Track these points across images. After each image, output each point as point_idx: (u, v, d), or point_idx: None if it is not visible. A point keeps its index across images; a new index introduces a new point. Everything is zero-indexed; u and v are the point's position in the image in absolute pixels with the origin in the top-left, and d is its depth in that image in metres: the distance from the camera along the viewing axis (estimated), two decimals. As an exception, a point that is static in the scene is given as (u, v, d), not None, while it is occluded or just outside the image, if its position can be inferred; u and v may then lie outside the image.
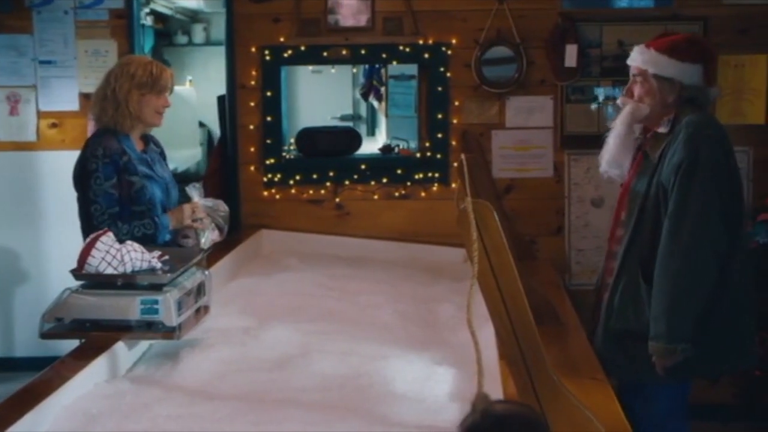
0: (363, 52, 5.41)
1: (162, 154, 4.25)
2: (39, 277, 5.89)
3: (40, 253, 5.91)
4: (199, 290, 3.52)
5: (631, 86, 3.57)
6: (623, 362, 3.48)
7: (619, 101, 3.65)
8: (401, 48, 5.39)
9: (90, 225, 3.85)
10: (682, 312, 3.28)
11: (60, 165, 5.74)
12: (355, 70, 7.21)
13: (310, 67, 7.78)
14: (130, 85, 3.97)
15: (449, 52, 5.38)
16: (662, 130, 3.48)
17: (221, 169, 5.62)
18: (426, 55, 5.39)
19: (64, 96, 5.79)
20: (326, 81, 8.55)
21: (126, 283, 3.27)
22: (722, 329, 3.36)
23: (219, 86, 6.31)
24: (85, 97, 5.71)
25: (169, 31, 9.04)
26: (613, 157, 3.61)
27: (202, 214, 4.06)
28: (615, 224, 3.69)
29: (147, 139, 4.15)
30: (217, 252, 4.48)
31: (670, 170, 3.33)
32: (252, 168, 5.51)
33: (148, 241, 3.72)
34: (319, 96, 8.42)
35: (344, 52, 5.40)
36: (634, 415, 3.34)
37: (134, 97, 3.96)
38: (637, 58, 3.53)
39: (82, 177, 3.94)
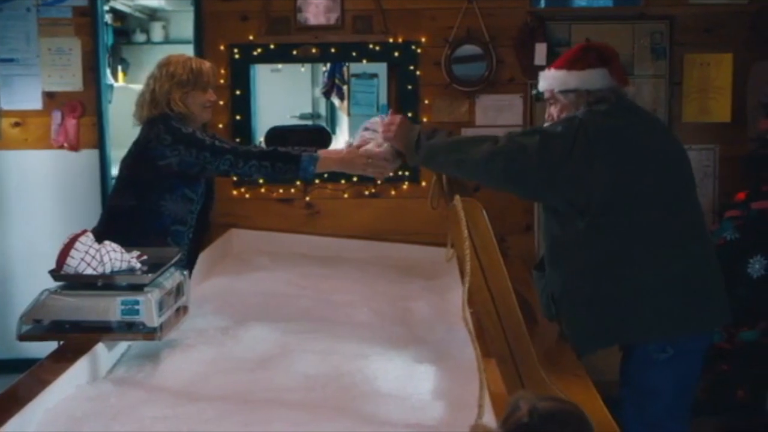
0: (333, 50, 5.42)
1: None
2: (2, 278, 5.79)
3: (4, 253, 5.81)
4: (179, 290, 3.49)
5: (550, 110, 3.63)
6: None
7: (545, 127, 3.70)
8: (371, 46, 5.40)
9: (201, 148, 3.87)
10: (440, 139, 3.48)
11: (23, 164, 5.70)
12: (324, 68, 7.18)
13: (270, 66, 7.72)
14: (170, 85, 3.95)
15: (419, 50, 5.40)
16: None
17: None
18: (396, 54, 5.40)
19: (27, 95, 5.69)
20: (285, 80, 8.51)
21: (106, 283, 3.23)
22: (693, 289, 3.39)
23: (180, 85, 6.25)
24: (48, 95, 5.65)
25: (127, 29, 8.94)
26: None
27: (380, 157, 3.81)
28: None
29: None
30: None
31: None
32: (221, 167, 5.47)
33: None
34: (278, 95, 8.36)
35: (314, 50, 5.39)
36: (626, 415, 3.37)
37: (176, 96, 3.93)
38: (543, 83, 3.60)
39: (184, 138, 3.88)
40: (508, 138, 3.35)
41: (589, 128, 3.35)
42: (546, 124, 3.61)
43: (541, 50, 5.26)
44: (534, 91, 3.95)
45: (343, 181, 5.47)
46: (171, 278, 3.42)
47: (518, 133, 3.46)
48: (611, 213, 3.34)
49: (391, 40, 5.38)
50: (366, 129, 3.84)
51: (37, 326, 3.24)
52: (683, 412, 3.56)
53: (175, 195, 3.95)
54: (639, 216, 3.40)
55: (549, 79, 3.56)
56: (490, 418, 2.56)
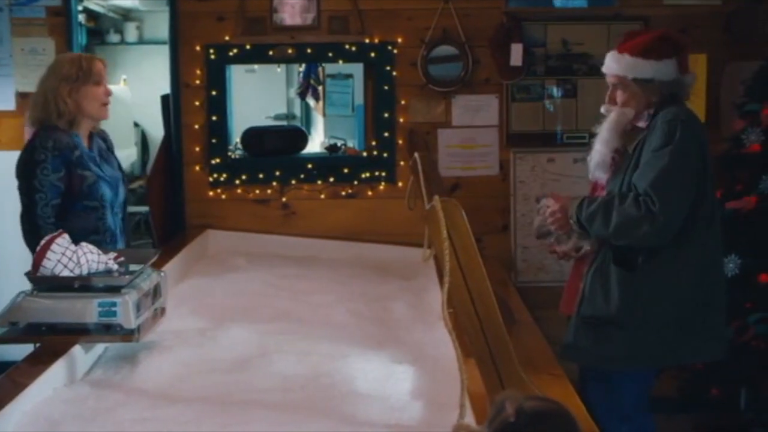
0: (309, 51, 5.39)
1: (110, 149, 4.20)
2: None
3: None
4: (156, 292, 3.47)
5: (613, 93, 3.60)
6: (591, 348, 3.53)
7: (603, 109, 3.67)
8: (347, 47, 5.38)
9: (33, 213, 3.85)
10: (602, 230, 3.42)
11: (-4, 165, 5.62)
12: (300, 69, 7.17)
13: (244, 66, 7.70)
14: (57, 82, 3.92)
15: (395, 50, 5.39)
16: (641, 124, 3.55)
17: (166, 169, 5.54)
18: (372, 54, 5.39)
19: (0, 95, 5.63)
20: (260, 80, 8.50)
21: (83, 285, 3.21)
22: (694, 317, 3.44)
23: (153, 86, 6.23)
24: (21, 96, 5.58)
25: (101, 29, 8.90)
26: (600, 160, 3.62)
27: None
28: None
29: (92, 137, 4.09)
30: (164, 253, 4.42)
31: (645, 155, 3.42)
32: (197, 168, 5.46)
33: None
34: (252, 95, 8.35)
35: (290, 51, 5.36)
36: (598, 410, 3.39)
37: (64, 92, 3.90)
38: (613, 66, 3.56)
39: (27, 165, 3.90)
40: (661, 210, 3.28)
41: (696, 132, 3.41)
42: (604, 108, 3.62)
43: (517, 51, 5.27)
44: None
45: (319, 182, 5.46)
46: (148, 279, 3.41)
47: (662, 183, 3.33)
48: (712, 218, 3.45)
49: (367, 41, 5.37)
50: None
51: (13, 329, 3.21)
52: (647, 403, 3.61)
53: (76, 210, 3.93)
54: (717, 223, 3.50)
55: (621, 64, 3.52)
56: (470, 419, 2.56)
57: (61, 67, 3.97)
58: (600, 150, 3.59)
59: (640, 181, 3.35)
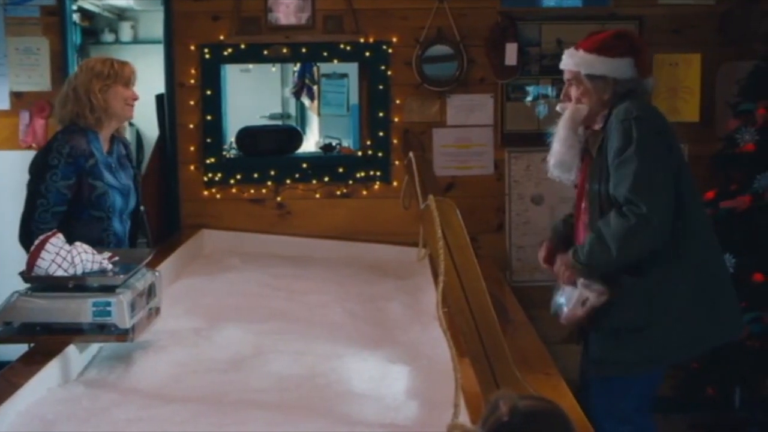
0: (304, 50, 5.40)
1: (129, 157, 4.22)
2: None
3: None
4: (150, 291, 3.47)
5: (567, 90, 3.61)
6: (614, 356, 3.49)
7: (558, 107, 3.69)
8: (342, 46, 5.38)
9: (31, 216, 3.89)
10: (607, 258, 3.36)
11: (-9, 165, 5.62)
12: (295, 68, 7.16)
13: (239, 66, 7.68)
14: (89, 77, 3.96)
15: (390, 50, 5.39)
16: (597, 126, 3.55)
17: (160, 168, 5.54)
18: (367, 54, 5.39)
19: (-6, 95, 5.64)
20: (255, 80, 8.48)
21: (77, 285, 3.21)
22: (702, 306, 3.44)
23: (148, 85, 6.20)
24: (16, 95, 5.57)
25: (96, 28, 8.88)
26: (558, 160, 3.63)
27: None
28: (581, 228, 3.70)
29: (114, 140, 4.11)
30: (158, 253, 4.41)
31: (611, 160, 3.39)
32: (192, 167, 5.46)
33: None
34: (247, 95, 8.33)
35: (285, 50, 5.36)
36: (598, 411, 3.39)
37: (96, 87, 3.94)
38: (568, 61, 3.57)
39: (39, 167, 3.94)
40: (650, 210, 3.25)
41: (653, 124, 3.38)
42: (560, 106, 3.63)
43: (511, 50, 5.28)
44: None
45: (314, 182, 5.46)
46: (143, 279, 3.40)
47: (640, 186, 3.29)
48: (695, 211, 3.44)
49: (362, 40, 5.37)
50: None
51: (7, 328, 3.21)
52: (649, 404, 3.60)
53: (82, 219, 3.96)
54: (703, 211, 3.54)
55: (576, 59, 3.53)
56: (464, 418, 2.56)
57: (94, 65, 4.03)
58: (558, 150, 3.59)
59: (619, 191, 3.33)
